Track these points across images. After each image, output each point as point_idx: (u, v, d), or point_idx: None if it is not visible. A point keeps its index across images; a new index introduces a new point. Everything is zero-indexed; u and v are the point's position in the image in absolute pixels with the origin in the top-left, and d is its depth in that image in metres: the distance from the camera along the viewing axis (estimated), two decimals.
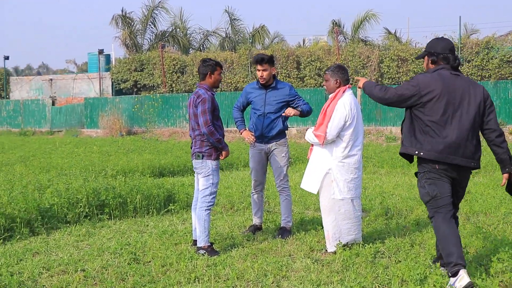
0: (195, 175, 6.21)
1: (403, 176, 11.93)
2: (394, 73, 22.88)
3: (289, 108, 6.66)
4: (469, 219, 7.43)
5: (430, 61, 4.91)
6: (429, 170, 4.79)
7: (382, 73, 23.10)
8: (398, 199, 8.79)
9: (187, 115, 6.39)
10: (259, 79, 6.72)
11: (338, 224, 5.84)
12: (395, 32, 32.58)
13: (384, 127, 21.86)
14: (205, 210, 5.98)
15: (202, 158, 6.01)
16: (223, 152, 6.16)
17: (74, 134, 26.82)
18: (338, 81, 5.90)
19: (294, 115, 6.63)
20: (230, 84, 25.86)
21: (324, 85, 6.12)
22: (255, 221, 7.06)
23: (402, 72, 22.83)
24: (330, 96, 5.93)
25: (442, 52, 4.83)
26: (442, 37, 5.08)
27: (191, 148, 6.26)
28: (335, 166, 5.79)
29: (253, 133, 6.74)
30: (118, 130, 25.66)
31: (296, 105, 6.77)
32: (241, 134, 6.99)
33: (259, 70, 6.69)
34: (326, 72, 6.02)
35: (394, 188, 10.07)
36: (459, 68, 5.19)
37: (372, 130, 21.77)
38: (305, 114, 6.78)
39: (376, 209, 7.98)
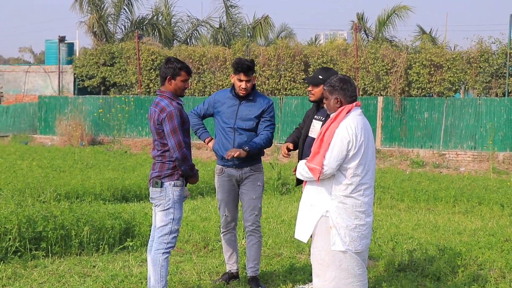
0: (153, 207, 6.04)
1: (427, 214, 11.81)
2: (425, 83, 22.77)
3: (232, 149, 6.51)
4: (504, 276, 7.25)
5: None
6: None
7: (410, 81, 22.98)
8: (416, 245, 8.62)
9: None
10: (240, 91, 6.64)
11: (339, 284, 5.51)
12: (430, 32, 32.60)
13: (409, 149, 21.73)
14: (163, 253, 5.82)
15: (162, 186, 5.85)
16: (190, 179, 6.03)
17: (23, 141, 26.66)
18: (339, 99, 5.58)
19: (238, 155, 6.48)
20: (220, 87, 25.75)
21: (324, 103, 5.89)
22: (230, 267, 6.95)
23: (435, 81, 22.72)
24: (331, 116, 5.65)
25: None
26: None
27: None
28: (334, 207, 5.45)
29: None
30: (79, 138, 25.51)
31: (259, 127, 6.70)
32: (206, 143, 6.91)
33: (241, 81, 6.61)
34: (324, 87, 5.77)
35: (413, 230, 9.93)
36: None
37: (394, 152, 21.64)
38: (256, 150, 6.62)
39: (386, 257, 7.80)
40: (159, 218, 5.91)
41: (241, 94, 6.65)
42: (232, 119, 6.66)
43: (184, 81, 5.99)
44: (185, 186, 6.05)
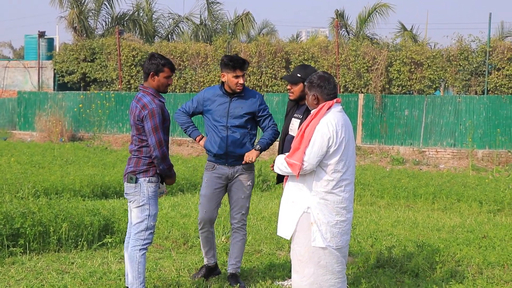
0: (128, 204, 6.02)
1: (407, 211, 11.86)
2: (406, 80, 22.88)
3: (246, 154, 6.59)
4: (482, 272, 7.31)
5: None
6: None
7: (391, 79, 23.08)
8: (396, 241, 8.67)
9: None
10: (237, 87, 6.59)
11: (317, 280, 5.53)
12: (411, 29, 32.75)
13: (390, 146, 21.84)
14: (140, 249, 5.80)
15: (136, 182, 5.83)
16: (168, 180, 6.02)
17: (2, 137, 26.47)
18: (316, 96, 5.60)
19: (256, 158, 6.63)
20: (202, 83, 25.71)
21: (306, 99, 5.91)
22: (208, 261, 6.93)
23: (415, 79, 22.84)
24: (312, 112, 5.64)
25: None
26: None
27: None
28: (315, 204, 5.46)
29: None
30: (58, 134, 25.40)
31: (262, 125, 6.76)
32: (197, 142, 6.87)
33: (238, 77, 6.55)
34: (305, 83, 5.79)
35: (392, 226, 9.97)
36: None
37: (375, 149, 21.73)
38: (267, 147, 6.73)
39: (365, 253, 7.84)
40: (135, 215, 5.88)
41: (238, 90, 6.59)
42: (224, 117, 6.61)
43: (167, 78, 5.94)
44: (162, 184, 6.03)
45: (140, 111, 5.78)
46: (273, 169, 5.83)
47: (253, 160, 6.53)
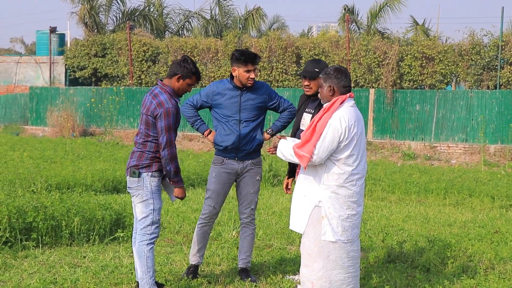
0: (132, 198, 6.03)
1: (418, 206, 11.84)
2: (417, 75, 22.80)
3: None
4: (493, 267, 7.29)
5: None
6: None
7: (402, 74, 23.01)
8: (407, 236, 8.65)
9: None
10: (249, 82, 6.54)
11: (327, 274, 5.53)
12: (423, 23, 32.65)
13: (401, 141, 21.79)
14: (147, 244, 5.81)
15: (139, 176, 5.84)
16: (176, 189, 6.01)
17: (14, 132, 26.62)
18: (332, 87, 5.60)
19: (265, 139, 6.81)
20: (212, 78, 25.72)
21: (318, 92, 5.92)
22: (197, 260, 6.73)
23: (427, 73, 22.76)
24: (324, 106, 5.66)
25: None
26: None
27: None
28: (327, 198, 5.48)
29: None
30: (70, 129, 25.50)
31: (279, 110, 6.80)
32: (205, 136, 6.81)
33: (250, 71, 6.50)
34: (320, 75, 5.80)
35: (403, 221, 9.96)
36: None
37: (386, 144, 21.69)
38: (282, 129, 6.82)
39: (376, 248, 7.84)
40: (139, 210, 5.88)
41: (249, 85, 6.54)
42: (236, 111, 6.56)
43: (190, 85, 5.98)
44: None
45: (156, 108, 5.77)
46: (270, 152, 5.89)
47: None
